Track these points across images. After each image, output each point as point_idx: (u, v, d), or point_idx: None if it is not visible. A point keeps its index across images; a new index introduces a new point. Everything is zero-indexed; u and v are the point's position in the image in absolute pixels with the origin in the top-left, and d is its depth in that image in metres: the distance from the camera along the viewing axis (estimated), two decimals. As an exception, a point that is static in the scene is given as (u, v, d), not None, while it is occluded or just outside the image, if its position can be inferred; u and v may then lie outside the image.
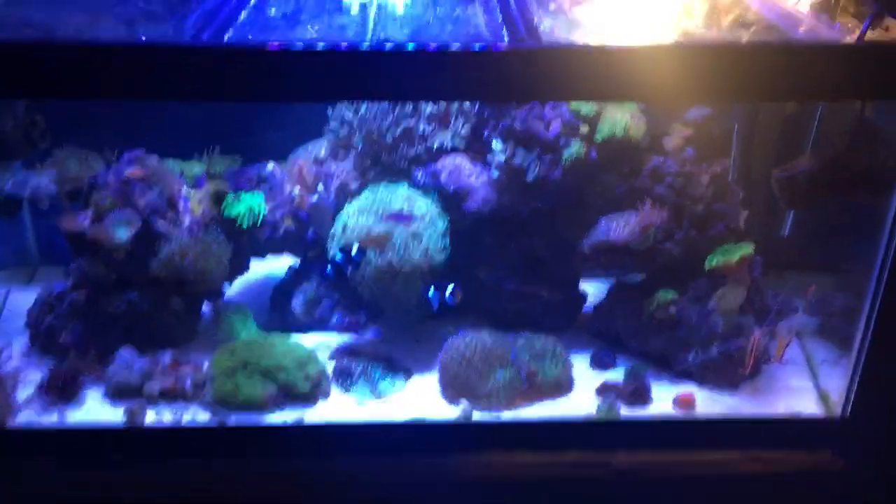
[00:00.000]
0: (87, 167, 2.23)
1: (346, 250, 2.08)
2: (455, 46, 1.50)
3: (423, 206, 2.15)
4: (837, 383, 2.03)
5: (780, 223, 2.46)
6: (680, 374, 2.13)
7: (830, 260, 2.34)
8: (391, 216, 2.09)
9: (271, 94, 1.59)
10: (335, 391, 2.11)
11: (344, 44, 1.50)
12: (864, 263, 1.86)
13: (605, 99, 1.97)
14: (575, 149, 2.03)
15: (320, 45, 1.49)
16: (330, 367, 2.16)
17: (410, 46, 1.50)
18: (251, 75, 1.52)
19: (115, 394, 2.06)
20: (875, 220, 1.82)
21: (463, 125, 2.14)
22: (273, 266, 2.44)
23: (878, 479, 2.00)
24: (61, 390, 2.05)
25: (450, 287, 2.08)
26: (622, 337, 2.22)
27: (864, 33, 1.59)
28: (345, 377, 2.14)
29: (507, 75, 1.54)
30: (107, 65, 1.51)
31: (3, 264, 2.52)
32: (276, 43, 1.49)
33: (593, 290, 2.40)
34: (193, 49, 1.53)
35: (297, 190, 2.20)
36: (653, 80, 1.55)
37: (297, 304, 2.29)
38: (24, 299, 2.28)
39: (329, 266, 2.10)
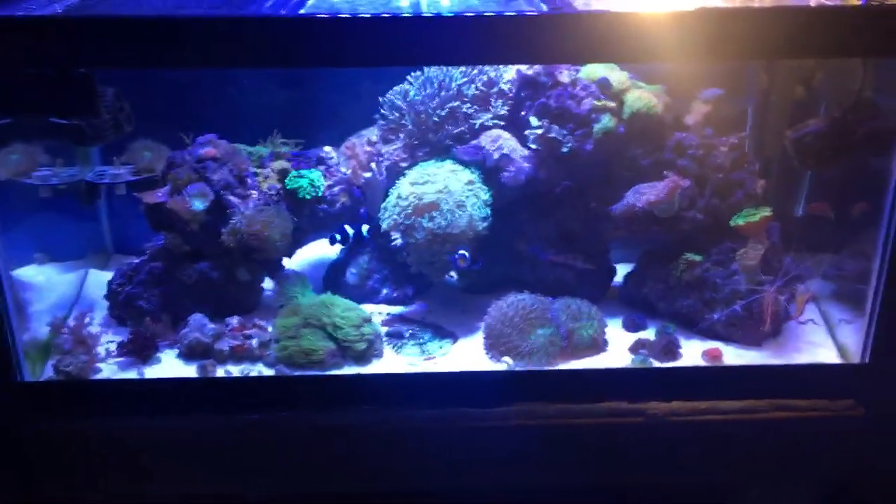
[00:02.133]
0: (159, 157, 2.46)
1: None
2: (501, 13, 1.75)
3: (467, 177, 2.33)
4: (855, 339, 2.18)
5: (793, 205, 2.65)
6: (707, 332, 2.28)
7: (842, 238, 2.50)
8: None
9: (340, 60, 1.84)
10: (388, 352, 2.30)
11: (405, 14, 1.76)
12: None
13: (635, 61, 2.19)
14: (605, 122, 2.25)
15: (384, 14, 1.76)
16: (382, 331, 2.34)
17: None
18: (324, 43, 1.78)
19: (188, 353, 2.25)
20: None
21: (502, 105, 2.36)
22: (328, 249, 2.65)
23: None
24: (138, 352, 2.25)
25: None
26: (652, 301, 2.39)
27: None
28: (396, 340, 2.33)
29: (547, 39, 1.78)
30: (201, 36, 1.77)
31: (81, 253, 2.74)
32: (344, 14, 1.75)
33: (624, 268, 2.56)
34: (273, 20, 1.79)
35: (351, 168, 2.42)
36: (679, 43, 1.78)
37: (350, 276, 2.49)
38: (101, 280, 2.48)
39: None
